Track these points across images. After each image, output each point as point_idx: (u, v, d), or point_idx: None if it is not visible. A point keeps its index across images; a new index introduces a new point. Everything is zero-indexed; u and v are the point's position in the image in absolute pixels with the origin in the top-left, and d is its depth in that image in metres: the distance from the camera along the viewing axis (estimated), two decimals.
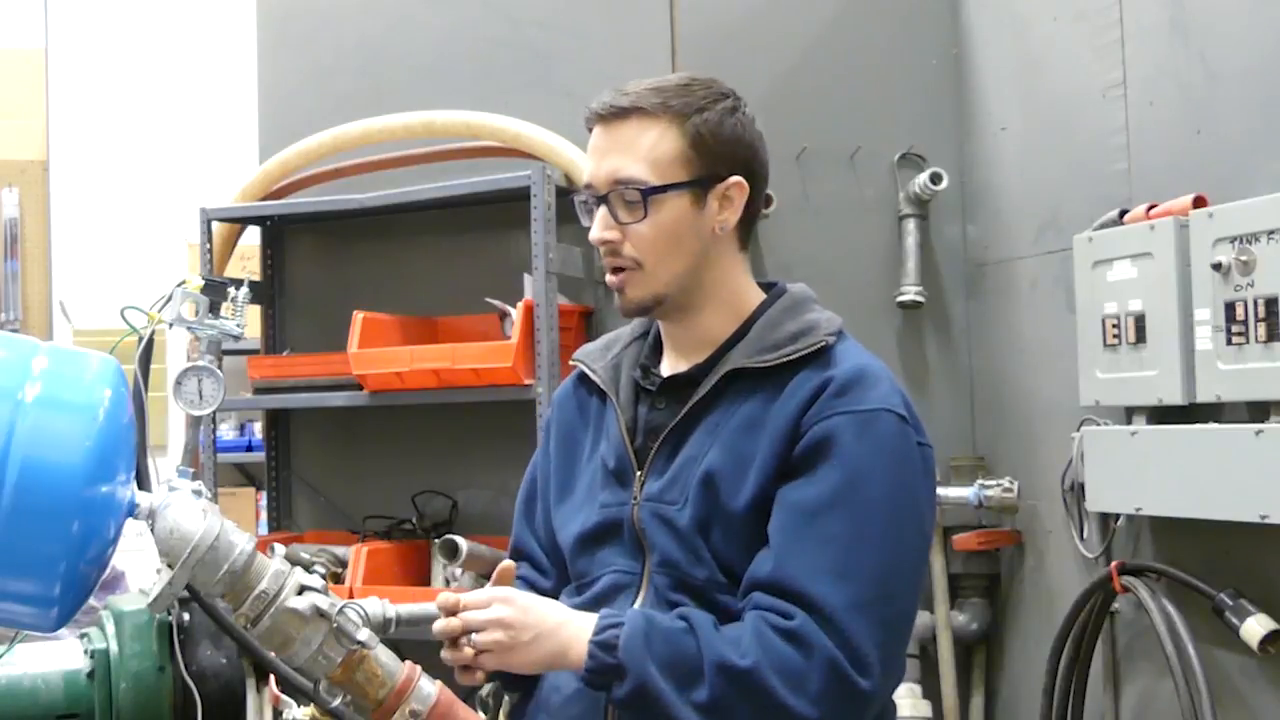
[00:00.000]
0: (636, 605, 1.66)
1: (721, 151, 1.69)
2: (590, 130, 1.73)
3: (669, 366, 1.77)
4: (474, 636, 1.59)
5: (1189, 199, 2.64)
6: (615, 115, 1.69)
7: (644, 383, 1.76)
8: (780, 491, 1.59)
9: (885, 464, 1.59)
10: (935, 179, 3.51)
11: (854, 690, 1.50)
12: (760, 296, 1.76)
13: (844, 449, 1.57)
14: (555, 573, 1.85)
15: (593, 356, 1.85)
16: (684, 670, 1.51)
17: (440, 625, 1.63)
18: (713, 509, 1.62)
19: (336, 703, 1.69)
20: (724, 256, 1.72)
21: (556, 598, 1.78)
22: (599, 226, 1.69)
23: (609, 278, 1.72)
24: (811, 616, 1.51)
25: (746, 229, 1.74)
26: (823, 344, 1.66)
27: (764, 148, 1.74)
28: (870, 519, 1.56)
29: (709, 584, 1.62)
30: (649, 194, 1.65)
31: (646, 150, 1.66)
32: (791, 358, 1.65)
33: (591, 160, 1.71)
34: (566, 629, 1.58)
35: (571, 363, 1.89)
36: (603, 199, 1.69)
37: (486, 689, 2.77)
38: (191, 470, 1.81)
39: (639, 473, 1.70)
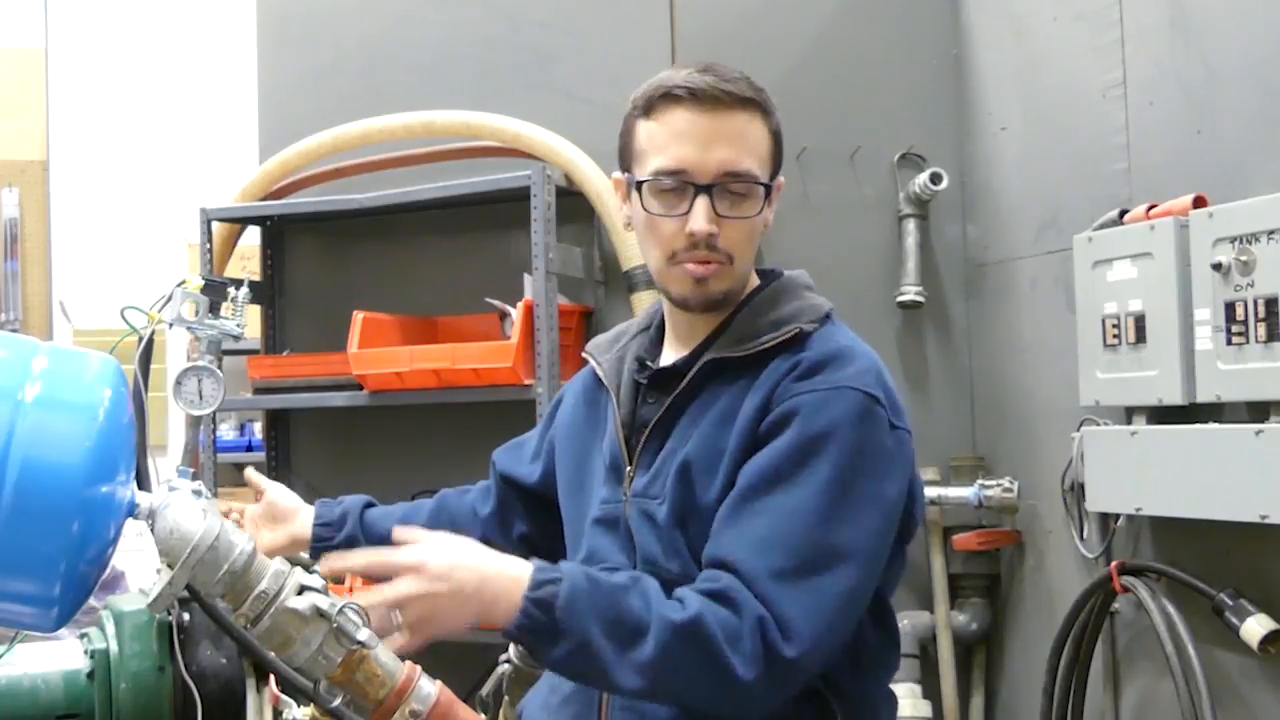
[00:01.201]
0: None
1: (781, 151, 1.70)
2: (663, 107, 1.64)
3: (667, 358, 1.77)
4: (395, 614, 1.48)
5: (1189, 199, 2.64)
6: (727, 102, 1.61)
7: (638, 376, 1.76)
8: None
9: (839, 438, 1.54)
10: (935, 179, 3.51)
11: (778, 655, 1.46)
12: (754, 285, 1.75)
13: (799, 423, 1.55)
14: (496, 507, 2.00)
15: (600, 349, 1.85)
16: (627, 629, 1.45)
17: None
18: (688, 503, 1.62)
19: (336, 703, 1.69)
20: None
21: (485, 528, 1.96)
22: (705, 219, 1.61)
23: (693, 267, 1.64)
24: (737, 580, 1.49)
25: None
26: (798, 331, 1.64)
27: None
28: (811, 493, 1.52)
29: (680, 578, 1.60)
30: (769, 190, 1.65)
31: (755, 144, 1.64)
32: (767, 346, 1.64)
33: (687, 146, 1.61)
34: (492, 584, 1.46)
35: (583, 355, 1.89)
36: (704, 189, 1.62)
37: (486, 689, 2.76)
38: (191, 470, 1.81)
39: (629, 469, 1.70)
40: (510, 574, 1.47)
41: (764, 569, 1.48)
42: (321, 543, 2.01)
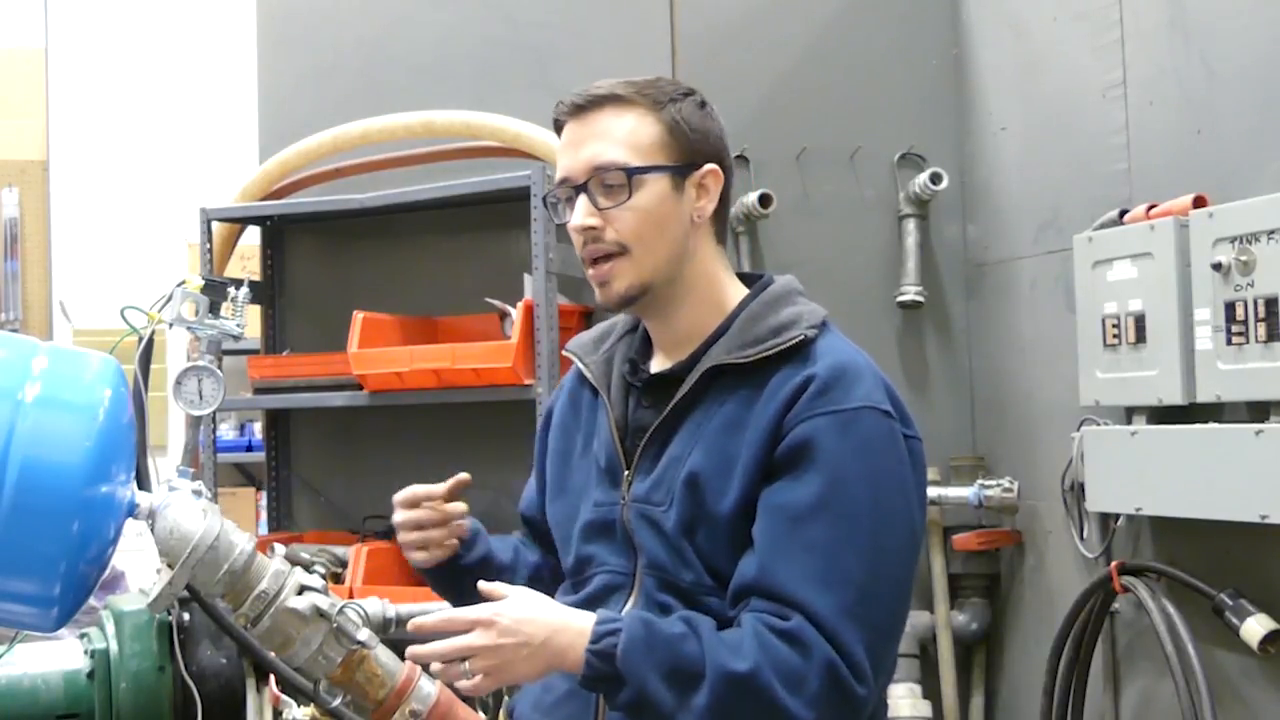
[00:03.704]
0: (629, 605, 1.66)
1: (696, 140, 1.70)
2: (560, 130, 1.73)
3: (657, 363, 1.77)
4: (465, 664, 1.53)
5: (1189, 199, 2.64)
6: (591, 105, 1.69)
7: (631, 379, 1.76)
8: (764, 494, 1.58)
9: (868, 465, 1.57)
10: (935, 179, 3.51)
11: (851, 695, 1.50)
12: (743, 291, 1.75)
13: (826, 451, 1.56)
14: (542, 548, 1.92)
15: (586, 349, 1.84)
16: (683, 677, 1.50)
17: (425, 650, 1.56)
18: (697, 511, 1.62)
19: (336, 703, 1.69)
20: (702, 248, 1.72)
21: (542, 572, 1.88)
22: (580, 213, 1.67)
23: (591, 271, 1.70)
24: (806, 620, 1.51)
25: (721, 223, 1.75)
26: (802, 338, 1.65)
27: (728, 144, 1.76)
28: (853, 523, 1.55)
29: (695, 586, 1.62)
30: (633, 174, 1.65)
31: (625, 135, 1.67)
32: (770, 353, 1.64)
33: (566, 155, 1.71)
34: (559, 638, 1.53)
35: (564, 354, 1.88)
36: (581, 188, 1.68)
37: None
38: (191, 470, 1.81)
39: (627, 472, 1.70)
40: (576, 628, 1.53)
41: (831, 609, 1.51)
42: (458, 558, 1.87)
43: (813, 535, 1.54)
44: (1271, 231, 2.40)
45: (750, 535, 1.59)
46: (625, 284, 1.68)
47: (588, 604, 1.69)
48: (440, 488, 1.81)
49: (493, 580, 1.78)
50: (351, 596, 2.63)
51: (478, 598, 1.79)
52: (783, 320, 1.67)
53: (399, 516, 1.81)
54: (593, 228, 1.67)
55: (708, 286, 1.73)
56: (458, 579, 1.84)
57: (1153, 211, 2.75)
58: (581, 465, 1.79)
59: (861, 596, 1.53)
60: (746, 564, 1.58)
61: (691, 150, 1.69)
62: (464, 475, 1.82)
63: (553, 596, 1.66)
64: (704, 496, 1.61)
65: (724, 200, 1.74)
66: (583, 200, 1.67)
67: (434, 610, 1.70)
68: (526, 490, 1.98)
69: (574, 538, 1.75)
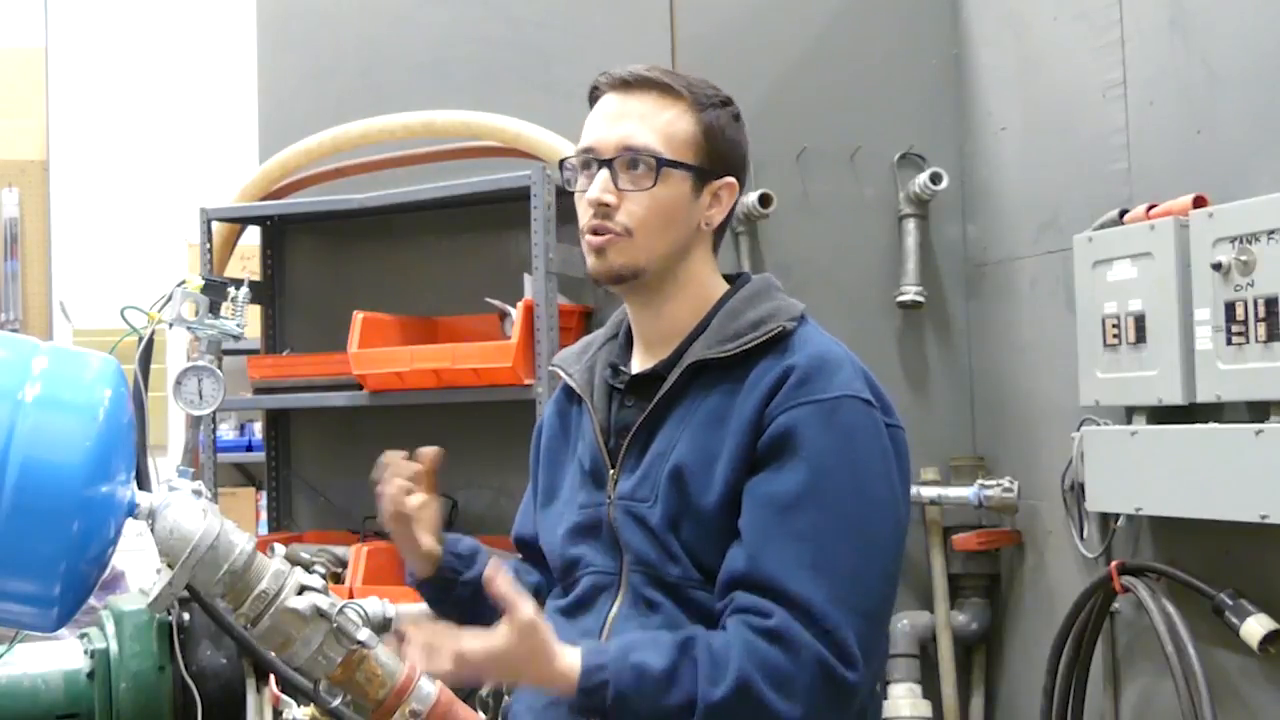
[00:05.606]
0: (615, 605, 1.66)
1: (725, 150, 1.72)
2: (596, 98, 1.73)
3: (638, 363, 1.78)
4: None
5: (1189, 199, 2.64)
6: (638, 85, 1.69)
7: (613, 381, 1.77)
8: (749, 485, 1.59)
9: (850, 453, 1.58)
10: (935, 179, 3.51)
11: (841, 683, 1.51)
12: (723, 289, 1.76)
13: (808, 441, 1.57)
14: (540, 569, 1.90)
15: (569, 361, 1.86)
16: (673, 711, 1.50)
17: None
18: (683, 506, 1.63)
19: (336, 703, 1.69)
20: (698, 252, 1.74)
21: (541, 592, 1.85)
22: (599, 187, 1.67)
23: (590, 237, 1.70)
24: (791, 612, 1.51)
25: (721, 234, 1.77)
26: (781, 330, 1.66)
27: (749, 162, 1.78)
28: (839, 511, 1.56)
29: (683, 580, 1.63)
30: (663, 164, 1.66)
31: (664, 124, 1.68)
32: (750, 346, 1.65)
33: (601, 124, 1.70)
34: (552, 670, 1.52)
35: (550, 368, 1.89)
36: (607, 162, 1.68)
37: (486, 689, 2.77)
38: (191, 470, 1.81)
39: (612, 471, 1.71)
40: (566, 664, 1.51)
41: (821, 596, 1.52)
42: (454, 574, 1.87)
43: (800, 525, 1.55)
44: (1271, 231, 2.40)
45: (736, 527, 1.59)
46: (620, 261, 1.69)
47: (576, 606, 1.71)
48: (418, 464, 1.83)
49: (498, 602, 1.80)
50: (351, 596, 2.63)
51: (478, 615, 1.78)
52: (761, 314, 1.69)
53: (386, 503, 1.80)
54: (607, 204, 1.67)
55: (696, 287, 1.74)
56: (455, 595, 1.84)
57: (1153, 211, 2.75)
58: (569, 473, 1.79)
59: (851, 584, 1.54)
60: (734, 555, 1.58)
61: (718, 158, 1.71)
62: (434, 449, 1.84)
63: None
64: (689, 490, 1.62)
65: (729, 214, 1.76)
66: (604, 175, 1.68)
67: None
68: (521, 512, 1.96)
69: (561, 541, 1.76)
